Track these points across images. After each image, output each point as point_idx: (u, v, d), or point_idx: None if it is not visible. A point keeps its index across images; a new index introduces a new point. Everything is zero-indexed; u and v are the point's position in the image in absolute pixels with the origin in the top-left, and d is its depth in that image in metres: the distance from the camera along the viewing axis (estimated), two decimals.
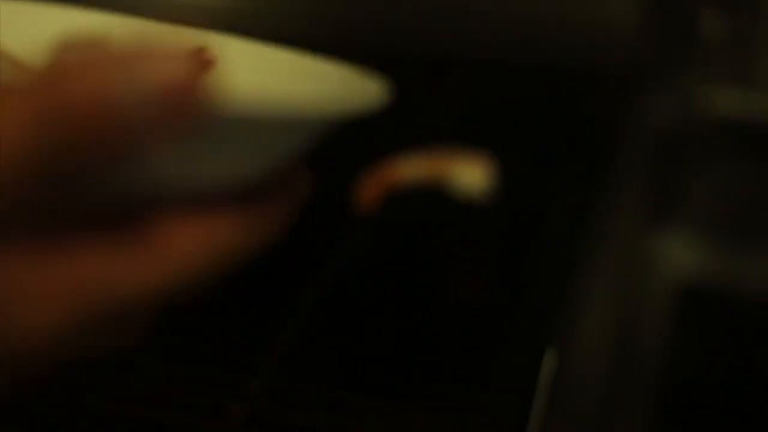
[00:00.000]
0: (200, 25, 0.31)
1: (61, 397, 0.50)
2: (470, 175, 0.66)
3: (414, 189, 0.67)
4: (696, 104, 0.77)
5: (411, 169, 0.67)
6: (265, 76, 0.27)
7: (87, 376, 0.51)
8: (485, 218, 0.65)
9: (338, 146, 0.72)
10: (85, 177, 0.24)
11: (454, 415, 0.50)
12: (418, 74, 0.85)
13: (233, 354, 0.53)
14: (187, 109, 0.23)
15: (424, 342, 0.54)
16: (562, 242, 0.63)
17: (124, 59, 0.22)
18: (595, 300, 0.59)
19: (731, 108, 0.76)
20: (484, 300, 0.58)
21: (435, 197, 0.66)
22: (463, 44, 0.86)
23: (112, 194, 0.25)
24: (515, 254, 0.61)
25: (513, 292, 0.58)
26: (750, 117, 0.76)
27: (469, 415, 0.50)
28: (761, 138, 0.77)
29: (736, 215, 0.79)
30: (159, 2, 0.90)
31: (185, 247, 0.26)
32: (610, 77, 0.81)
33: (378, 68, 0.88)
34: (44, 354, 0.25)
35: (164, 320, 0.55)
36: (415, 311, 0.57)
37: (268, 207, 0.27)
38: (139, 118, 0.22)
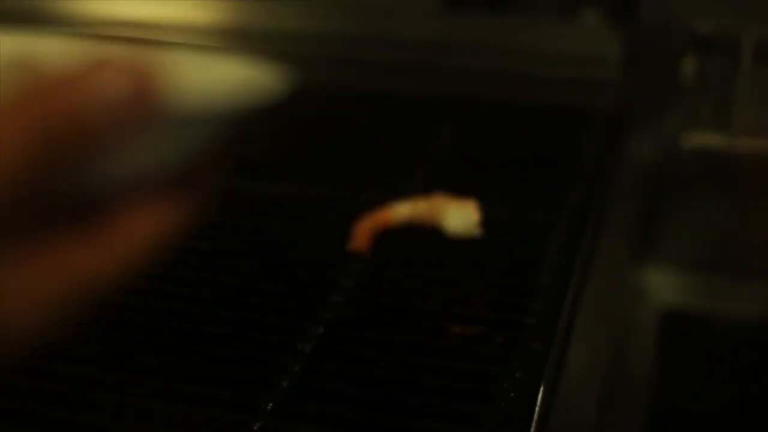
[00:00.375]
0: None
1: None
2: (460, 215, 0.67)
3: (408, 230, 0.68)
4: (676, 143, 0.79)
5: (404, 210, 0.68)
6: (176, 77, 0.30)
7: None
8: (476, 257, 0.66)
9: (337, 190, 0.74)
10: (64, 175, 0.27)
11: None
12: (409, 113, 0.87)
13: (233, 396, 0.54)
14: (143, 112, 0.27)
15: (420, 380, 0.55)
16: (553, 275, 0.64)
17: (94, 75, 0.26)
18: (586, 331, 0.61)
19: (709, 147, 0.78)
20: (477, 337, 0.59)
21: (427, 238, 0.67)
22: (450, 83, 0.88)
23: (76, 190, 0.28)
24: (507, 290, 0.63)
25: (506, 326, 0.59)
26: (727, 156, 0.78)
27: None
28: (737, 175, 0.79)
29: (714, 246, 0.81)
30: None
31: (137, 234, 0.29)
32: (597, 116, 0.83)
33: (370, 107, 0.90)
34: (26, 342, 0.28)
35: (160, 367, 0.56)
36: (410, 350, 0.57)
37: (194, 191, 0.30)
38: (109, 122, 0.26)
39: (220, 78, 0.32)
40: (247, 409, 0.53)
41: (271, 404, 0.53)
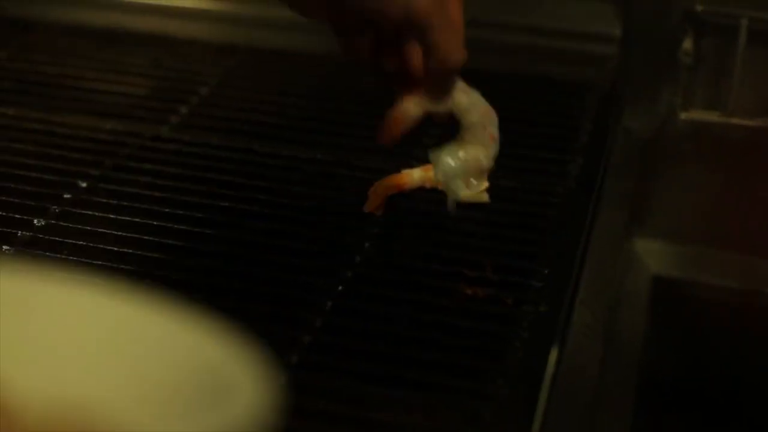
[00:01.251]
0: None
1: None
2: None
3: (419, 194, 0.71)
4: (671, 119, 0.83)
5: (416, 175, 0.71)
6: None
7: None
8: (484, 222, 0.69)
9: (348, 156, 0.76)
10: None
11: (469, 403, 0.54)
12: None
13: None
14: None
15: (433, 337, 0.57)
16: (557, 242, 0.67)
17: None
18: (588, 295, 0.64)
19: (703, 124, 0.82)
20: (487, 299, 0.62)
21: (438, 202, 0.70)
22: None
23: None
24: (514, 254, 0.66)
25: (514, 289, 0.62)
26: (719, 133, 0.82)
27: (482, 405, 0.53)
28: (728, 152, 0.82)
29: (703, 219, 0.85)
30: None
31: None
32: (595, 90, 0.86)
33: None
34: None
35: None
36: (424, 309, 0.60)
37: None
38: None
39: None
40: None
41: (296, 357, 0.56)
